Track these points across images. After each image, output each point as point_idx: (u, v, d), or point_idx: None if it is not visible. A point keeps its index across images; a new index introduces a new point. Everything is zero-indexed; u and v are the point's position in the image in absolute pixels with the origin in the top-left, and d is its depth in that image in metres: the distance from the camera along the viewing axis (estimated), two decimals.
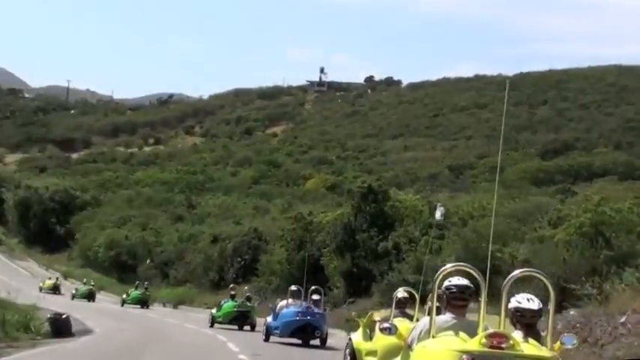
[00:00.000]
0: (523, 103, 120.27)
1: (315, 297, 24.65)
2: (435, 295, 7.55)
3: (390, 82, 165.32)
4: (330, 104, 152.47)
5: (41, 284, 59.16)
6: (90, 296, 53.95)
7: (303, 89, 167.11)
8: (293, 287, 25.96)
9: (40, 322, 24.47)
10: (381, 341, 11.29)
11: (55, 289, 58.08)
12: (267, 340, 24.42)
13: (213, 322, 31.72)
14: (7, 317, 23.68)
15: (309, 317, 23.61)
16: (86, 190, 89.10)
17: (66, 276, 69.67)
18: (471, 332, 7.17)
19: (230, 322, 31.21)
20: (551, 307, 7.29)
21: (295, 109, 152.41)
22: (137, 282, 53.38)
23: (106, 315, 38.58)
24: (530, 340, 7.12)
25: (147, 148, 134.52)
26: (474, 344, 6.84)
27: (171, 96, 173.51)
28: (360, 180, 45.75)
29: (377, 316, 13.22)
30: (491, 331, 6.93)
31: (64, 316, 25.11)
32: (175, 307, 52.38)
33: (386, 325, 9.25)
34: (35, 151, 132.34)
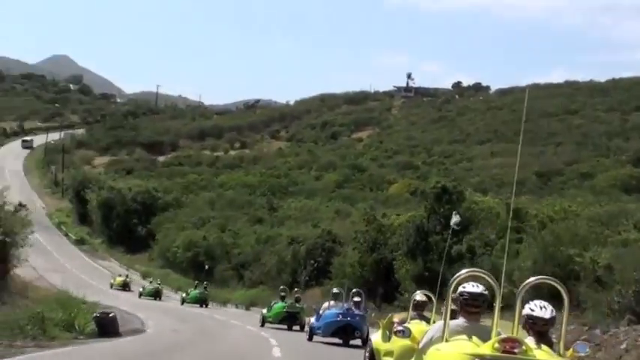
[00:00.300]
0: (615, 110, 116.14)
1: (356, 299, 25.47)
2: (450, 300, 7.62)
3: (478, 88, 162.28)
4: (417, 110, 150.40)
5: (112, 281, 62.02)
6: (156, 295, 55.46)
7: (389, 94, 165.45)
8: (335, 289, 27.70)
9: (85, 320, 23.51)
10: (397, 343, 11.63)
11: (125, 286, 60.25)
12: (310, 339, 25.84)
13: (263, 322, 33.30)
14: (52, 315, 22.84)
15: (349, 318, 24.62)
16: (169, 191, 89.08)
17: (145, 276, 69.65)
18: (485, 337, 7.25)
19: (280, 322, 32.65)
20: (564, 314, 7.28)
21: (381, 114, 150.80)
22: (196, 282, 54.61)
23: (167, 314, 38.53)
24: (543, 346, 7.15)
25: (232, 152, 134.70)
26: (487, 348, 6.89)
27: (257, 101, 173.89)
28: (435, 180, 43.80)
29: (396, 317, 13.55)
30: (504, 336, 6.99)
31: (110, 315, 24.08)
32: (248, 308, 51.53)
33: (400, 327, 9.69)
34: (123, 154, 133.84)
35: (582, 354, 7.92)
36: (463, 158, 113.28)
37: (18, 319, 20.66)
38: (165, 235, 74.77)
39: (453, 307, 7.80)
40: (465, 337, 7.33)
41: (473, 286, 7.71)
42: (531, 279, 7.37)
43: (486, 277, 7.40)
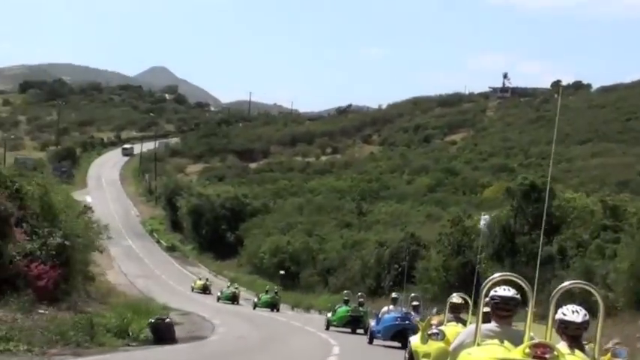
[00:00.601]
0: None
1: (415, 303, 25.74)
2: (483, 303, 7.55)
3: (578, 86, 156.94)
4: (514, 110, 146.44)
5: (192, 284, 63.61)
6: (233, 299, 55.73)
7: (484, 96, 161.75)
8: (394, 294, 29.10)
9: (140, 326, 22.28)
10: (434, 345, 12.09)
11: (205, 290, 61.96)
12: (370, 342, 27.08)
13: (328, 325, 34.14)
14: (104, 321, 21.71)
15: (407, 322, 25.15)
16: (258, 197, 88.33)
17: (232, 282, 68.90)
18: (517, 341, 7.19)
19: (344, 326, 33.77)
20: (600, 319, 7.11)
21: (476, 115, 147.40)
22: (267, 287, 55.76)
23: (244, 319, 38.08)
24: (576, 351, 7.10)
25: (324, 158, 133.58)
26: (518, 353, 6.88)
27: (349, 106, 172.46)
28: (521, 177, 41.22)
29: (434, 320, 13.91)
30: (535, 341, 6.93)
31: (166, 320, 22.80)
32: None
33: (434, 330, 10.11)
34: (216, 162, 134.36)
35: (620, 359, 7.88)
36: (562, 159, 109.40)
37: (63, 325, 19.47)
38: (253, 241, 73.92)
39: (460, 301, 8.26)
40: (496, 341, 7.33)
41: (504, 289, 7.65)
42: (565, 283, 7.27)
43: (519, 281, 7.34)
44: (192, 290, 62.69)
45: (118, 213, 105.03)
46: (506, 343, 7.24)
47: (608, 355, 8.01)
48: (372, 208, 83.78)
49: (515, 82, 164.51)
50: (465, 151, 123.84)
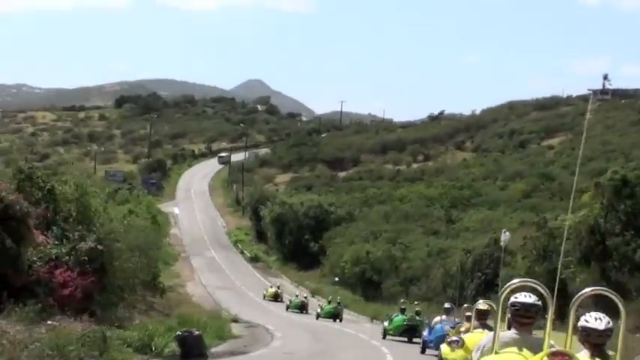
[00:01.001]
0: None
1: (468, 314, 23.91)
2: (501, 311, 7.50)
3: None
4: (615, 112, 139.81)
5: (264, 292, 63.46)
6: (302, 308, 55.27)
7: (583, 99, 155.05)
8: (446, 305, 27.37)
9: (165, 340, 19.77)
10: (458, 352, 12.75)
11: (276, 298, 61.40)
12: (423, 352, 26.87)
13: (385, 334, 34.12)
14: (126, 335, 19.27)
15: None
16: (343, 205, 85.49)
17: (314, 293, 66.34)
18: (536, 349, 7.04)
19: (400, 335, 33.66)
20: (622, 326, 6.80)
21: (575, 119, 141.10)
22: (330, 297, 55.49)
23: (306, 330, 36.32)
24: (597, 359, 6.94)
25: (415, 165, 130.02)
26: None
27: (442, 112, 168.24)
28: (611, 171, 37.20)
29: (463, 327, 14.26)
30: (554, 349, 6.74)
31: (195, 334, 20.19)
32: None
33: (454, 338, 11.35)
34: (305, 171, 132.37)
35: None
36: None
37: (66, 338, 17.03)
38: (335, 251, 71.19)
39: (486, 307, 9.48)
40: (515, 349, 7.18)
41: (525, 296, 7.47)
42: (587, 289, 6.96)
43: (538, 288, 7.13)
44: (264, 298, 62.13)
45: (204, 224, 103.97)
46: (525, 351, 7.12)
47: None
48: (462, 216, 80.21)
49: (615, 84, 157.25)
50: (563, 155, 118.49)
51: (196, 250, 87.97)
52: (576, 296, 6.85)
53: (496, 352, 7.17)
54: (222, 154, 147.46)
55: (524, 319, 7.28)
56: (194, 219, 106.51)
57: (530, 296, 7.36)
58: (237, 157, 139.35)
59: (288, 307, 55.77)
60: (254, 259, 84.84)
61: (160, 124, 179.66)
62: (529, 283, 7.16)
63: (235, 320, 43.20)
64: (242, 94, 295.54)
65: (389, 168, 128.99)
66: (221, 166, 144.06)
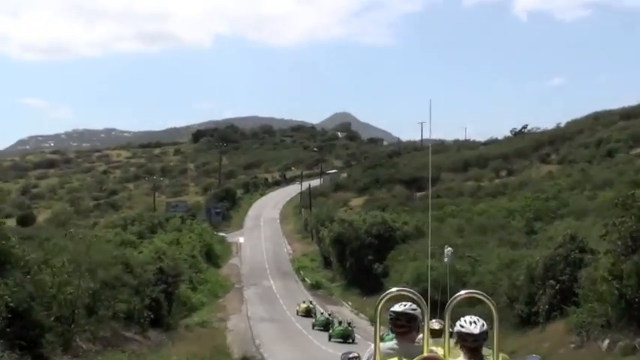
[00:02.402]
0: None
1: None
2: (379, 321, 7.06)
3: None
4: None
5: (297, 307, 61.68)
6: (325, 326, 52.47)
7: None
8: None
9: None
10: None
11: (308, 313, 59.44)
12: None
13: None
14: None
15: None
16: (410, 222, 74.74)
17: (372, 321, 55.79)
18: (415, 357, 6.79)
19: None
20: (495, 329, 6.86)
21: None
22: (340, 318, 53.35)
23: None
24: None
25: (497, 180, 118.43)
26: None
27: (525, 126, 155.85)
28: None
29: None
30: (424, 355, 6.71)
31: None
32: None
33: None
34: (381, 193, 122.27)
35: None
36: None
37: None
38: (398, 270, 60.67)
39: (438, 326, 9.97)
40: (395, 359, 7.10)
41: (400, 305, 7.52)
42: (462, 292, 7.12)
43: (413, 297, 7.10)
44: (297, 314, 60.18)
45: (268, 252, 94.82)
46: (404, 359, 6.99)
47: None
48: (545, 227, 68.87)
49: None
50: None
51: (254, 280, 78.68)
52: (450, 299, 6.94)
53: None
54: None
55: (398, 328, 7.38)
56: (258, 247, 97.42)
57: (405, 305, 7.43)
58: (313, 183, 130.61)
59: (314, 326, 53.87)
60: (315, 287, 74.89)
61: (236, 155, 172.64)
62: (403, 292, 7.09)
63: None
64: (330, 127, 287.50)
65: (470, 184, 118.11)
66: (294, 194, 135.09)
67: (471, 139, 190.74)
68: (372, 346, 7.23)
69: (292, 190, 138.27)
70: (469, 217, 75.20)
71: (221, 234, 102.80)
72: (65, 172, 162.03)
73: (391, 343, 7.24)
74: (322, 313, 57.77)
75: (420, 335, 7.94)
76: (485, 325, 6.98)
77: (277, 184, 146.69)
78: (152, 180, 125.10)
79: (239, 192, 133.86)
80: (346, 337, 47.63)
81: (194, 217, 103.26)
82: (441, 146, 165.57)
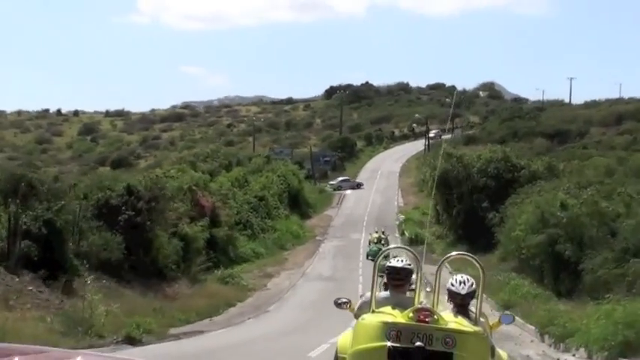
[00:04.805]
0: None
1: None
2: (376, 273, 7.48)
3: None
4: None
5: (369, 237, 49.52)
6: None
7: None
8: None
9: None
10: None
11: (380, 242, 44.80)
12: None
13: None
14: None
15: None
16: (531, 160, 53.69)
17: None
18: (407, 307, 7.12)
19: None
20: (480, 288, 7.33)
21: None
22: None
23: None
24: (459, 317, 7.14)
25: None
26: (403, 317, 6.94)
27: None
28: None
29: None
30: (417, 306, 7.00)
31: None
32: None
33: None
34: (518, 146, 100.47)
35: (506, 324, 8.77)
36: None
37: None
38: (514, 214, 40.26)
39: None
40: (389, 307, 7.28)
41: (397, 260, 7.86)
42: (453, 253, 8.51)
43: (409, 252, 7.87)
44: (369, 245, 45.90)
45: (374, 204, 76.08)
46: (397, 309, 7.14)
47: (498, 320, 8.35)
48: None
49: None
50: None
51: (342, 232, 60.19)
52: (441, 260, 7.81)
53: (373, 311, 7.28)
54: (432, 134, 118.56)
55: (395, 281, 7.75)
56: (364, 199, 78.66)
57: (401, 261, 7.87)
58: (445, 137, 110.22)
59: (368, 255, 42.92)
60: (414, 241, 55.28)
61: (367, 111, 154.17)
62: (401, 248, 8.46)
63: None
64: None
65: (623, 138, 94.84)
66: (422, 148, 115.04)
67: (626, 97, 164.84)
68: (368, 294, 7.80)
69: (421, 144, 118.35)
70: (622, 156, 53.02)
71: (328, 184, 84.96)
72: (190, 126, 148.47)
73: (385, 293, 7.72)
74: (377, 242, 44.46)
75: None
76: (473, 285, 7.40)
77: (405, 137, 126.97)
78: (251, 121, 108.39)
79: (360, 144, 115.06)
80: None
81: (299, 164, 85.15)
82: (592, 103, 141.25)
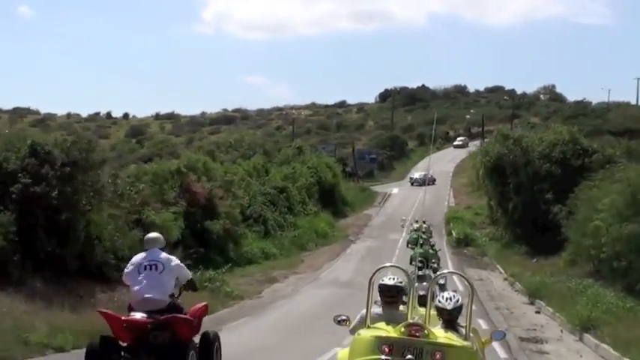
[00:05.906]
0: None
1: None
2: (371, 290, 7.64)
3: None
4: None
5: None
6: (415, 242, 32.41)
7: None
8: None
9: None
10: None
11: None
12: None
13: None
14: None
15: None
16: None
17: (531, 294, 25.85)
18: (399, 323, 7.28)
19: None
20: (469, 303, 7.40)
21: None
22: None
23: None
24: (449, 332, 7.26)
25: None
26: (395, 332, 7.10)
27: None
28: None
29: None
30: (409, 321, 7.17)
31: None
32: None
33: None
34: None
35: (497, 341, 8.94)
36: None
37: None
38: (585, 206, 30.10)
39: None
40: (382, 323, 7.47)
41: (389, 279, 8.05)
42: (445, 271, 9.10)
43: (401, 270, 7.96)
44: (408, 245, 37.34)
45: (420, 203, 66.30)
46: (390, 325, 7.29)
47: (489, 337, 8.29)
48: None
49: None
50: None
51: (380, 232, 50.85)
52: (435, 276, 8.33)
53: (368, 327, 7.44)
54: (458, 142, 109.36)
55: (387, 298, 7.99)
56: (411, 198, 69.11)
57: (393, 279, 8.06)
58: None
59: (408, 243, 36.55)
60: (461, 242, 45.40)
61: (423, 114, 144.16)
62: (394, 267, 8.06)
63: None
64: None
65: None
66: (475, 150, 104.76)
67: None
68: (363, 311, 7.81)
69: (477, 144, 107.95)
70: None
71: (374, 186, 75.45)
72: (239, 128, 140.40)
73: (379, 310, 7.87)
74: (417, 230, 35.65)
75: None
76: (460, 301, 7.52)
77: (460, 136, 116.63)
78: (284, 115, 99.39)
79: (412, 144, 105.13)
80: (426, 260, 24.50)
81: (342, 160, 75.70)
82: None
